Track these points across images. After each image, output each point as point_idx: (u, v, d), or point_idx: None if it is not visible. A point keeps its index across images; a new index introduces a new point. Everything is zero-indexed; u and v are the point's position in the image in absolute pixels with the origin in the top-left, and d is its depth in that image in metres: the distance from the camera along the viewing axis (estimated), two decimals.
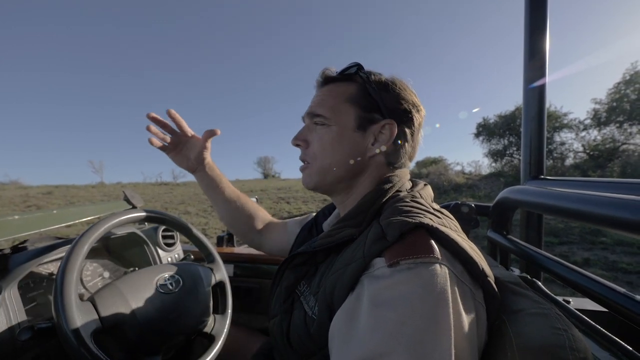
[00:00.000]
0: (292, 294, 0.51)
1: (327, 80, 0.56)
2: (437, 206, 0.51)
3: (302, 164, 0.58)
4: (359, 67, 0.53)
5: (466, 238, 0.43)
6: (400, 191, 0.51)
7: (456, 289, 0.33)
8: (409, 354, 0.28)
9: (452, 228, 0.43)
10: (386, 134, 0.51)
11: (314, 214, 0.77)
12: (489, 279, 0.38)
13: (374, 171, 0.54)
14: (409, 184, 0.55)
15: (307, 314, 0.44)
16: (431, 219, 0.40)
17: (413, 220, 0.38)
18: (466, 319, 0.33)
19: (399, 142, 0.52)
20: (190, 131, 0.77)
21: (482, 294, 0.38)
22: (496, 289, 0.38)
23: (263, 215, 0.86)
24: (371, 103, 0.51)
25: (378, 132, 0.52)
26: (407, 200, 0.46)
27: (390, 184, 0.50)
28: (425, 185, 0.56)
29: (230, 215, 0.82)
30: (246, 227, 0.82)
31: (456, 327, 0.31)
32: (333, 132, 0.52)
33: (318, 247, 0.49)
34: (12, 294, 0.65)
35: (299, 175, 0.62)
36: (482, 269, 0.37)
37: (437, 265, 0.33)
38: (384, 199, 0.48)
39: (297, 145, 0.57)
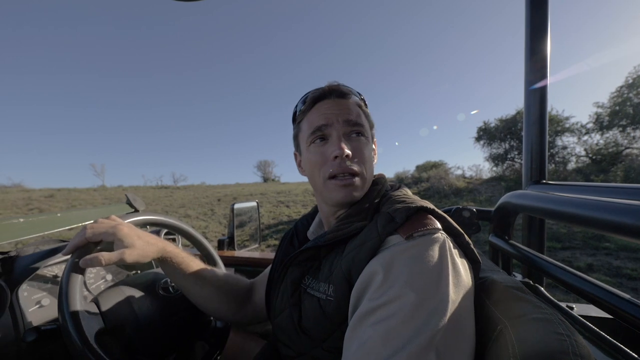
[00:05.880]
0: (299, 287, 0.53)
1: (344, 94, 0.59)
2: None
3: (342, 176, 0.54)
4: (359, 94, 0.63)
5: None
6: (388, 190, 0.59)
7: (453, 249, 0.42)
8: (416, 295, 0.36)
9: None
10: (375, 148, 0.65)
11: None
12: (471, 246, 0.47)
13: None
14: (389, 186, 0.62)
15: (320, 299, 0.48)
16: (428, 204, 0.48)
17: (415, 205, 0.47)
18: (463, 271, 0.41)
19: None
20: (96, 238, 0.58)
21: (467, 258, 0.46)
22: (477, 255, 0.47)
23: (245, 283, 0.75)
24: (370, 123, 0.62)
25: (373, 145, 0.63)
26: (401, 195, 0.55)
27: (381, 185, 0.59)
28: (402, 185, 0.64)
29: (209, 300, 0.67)
30: (233, 305, 0.69)
31: (453, 277, 0.39)
32: (369, 142, 0.59)
33: (329, 240, 0.51)
34: (17, 295, 0.65)
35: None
36: (467, 240, 0.47)
37: (440, 234, 0.43)
38: (379, 197, 0.57)
39: (347, 157, 0.53)
